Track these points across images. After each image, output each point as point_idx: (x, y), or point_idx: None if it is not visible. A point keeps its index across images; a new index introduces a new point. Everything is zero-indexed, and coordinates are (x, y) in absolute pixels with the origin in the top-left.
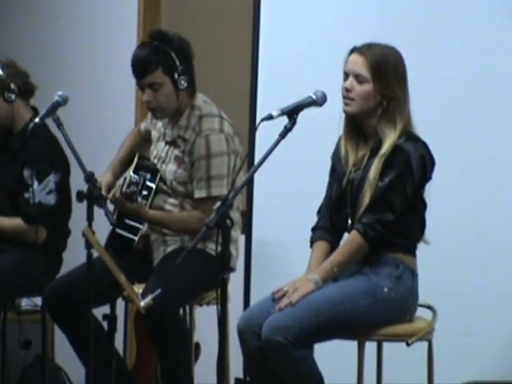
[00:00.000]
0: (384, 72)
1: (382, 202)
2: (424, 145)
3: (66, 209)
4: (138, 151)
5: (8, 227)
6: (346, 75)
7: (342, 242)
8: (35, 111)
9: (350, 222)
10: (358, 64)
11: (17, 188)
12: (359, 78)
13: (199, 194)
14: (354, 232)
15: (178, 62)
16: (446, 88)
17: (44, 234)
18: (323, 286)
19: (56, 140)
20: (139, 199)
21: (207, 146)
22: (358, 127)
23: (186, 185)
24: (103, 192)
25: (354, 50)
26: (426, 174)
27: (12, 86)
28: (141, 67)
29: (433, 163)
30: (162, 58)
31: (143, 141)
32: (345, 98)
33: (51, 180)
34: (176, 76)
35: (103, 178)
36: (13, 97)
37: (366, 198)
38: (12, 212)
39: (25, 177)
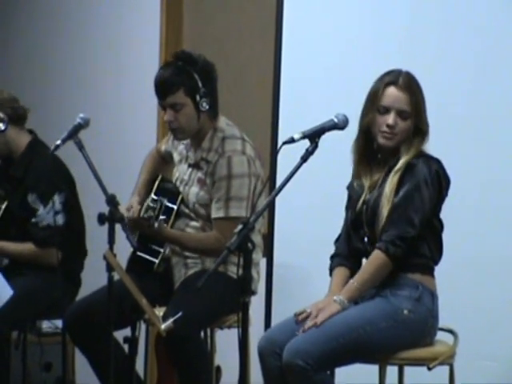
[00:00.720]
0: (421, 109)
1: (400, 218)
2: (438, 162)
3: (78, 226)
4: (159, 172)
5: (22, 252)
6: (385, 110)
7: (364, 262)
8: (33, 134)
9: (366, 240)
10: (402, 101)
11: (24, 214)
12: (403, 115)
13: (217, 213)
14: (376, 250)
15: (200, 84)
16: (465, 107)
17: (56, 255)
18: (348, 307)
19: (56, 158)
20: (156, 224)
21: (229, 166)
22: (370, 151)
23: (208, 207)
24: (125, 213)
25: (390, 84)
26: (441, 190)
27: (1, 115)
28: (163, 87)
29: (448, 181)
30: (184, 79)
31: (163, 161)
32: (387, 132)
33: (56, 201)
34: (198, 98)
35: (130, 201)
36: (3, 127)
37: (384, 213)
38: (22, 238)
39: (30, 202)
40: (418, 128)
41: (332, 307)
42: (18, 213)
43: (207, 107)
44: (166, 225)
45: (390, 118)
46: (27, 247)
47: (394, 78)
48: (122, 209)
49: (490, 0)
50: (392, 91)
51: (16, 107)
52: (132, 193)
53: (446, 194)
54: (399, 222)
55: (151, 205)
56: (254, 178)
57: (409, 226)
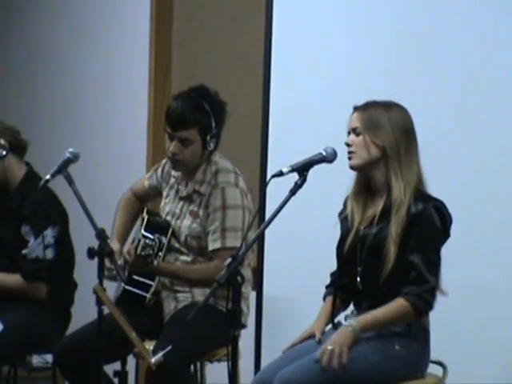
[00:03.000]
0: (374, 123)
1: (425, 274)
2: (441, 203)
3: (68, 262)
4: (134, 216)
5: (9, 285)
6: (348, 133)
7: (389, 305)
8: (29, 167)
9: (358, 280)
10: (355, 119)
11: (15, 245)
12: (356, 131)
13: (213, 245)
14: (403, 300)
15: (214, 125)
16: (453, 120)
17: (44, 289)
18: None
19: (52, 193)
20: (155, 262)
21: (223, 197)
22: (367, 185)
23: (200, 239)
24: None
25: (354, 110)
26: (446, 231)
27: (2, 141)
28: (178, 121)
29: (451, 219)
30: (201, 118)
31: (140, 202)
32: (348, 153)
33: (49, 234)
34: (208, 138)
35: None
36: (4, 152)
37: (391, 255)
38: (12, 269)
39: (22, 233)
40: (381, 147)
41: (347, 340)
42: (10, 244)
43: (213, 147)
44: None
45: (348, 139)
46: (15, 279)
47: (361, 104)
48: (112, 243)
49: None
50: (352, 115)
51: (17, 137)
52: (110, 238)
53: (450, 234)
54: (425, 276)
55: (149, 242)
56: (247, 210)
57: (433, 277)
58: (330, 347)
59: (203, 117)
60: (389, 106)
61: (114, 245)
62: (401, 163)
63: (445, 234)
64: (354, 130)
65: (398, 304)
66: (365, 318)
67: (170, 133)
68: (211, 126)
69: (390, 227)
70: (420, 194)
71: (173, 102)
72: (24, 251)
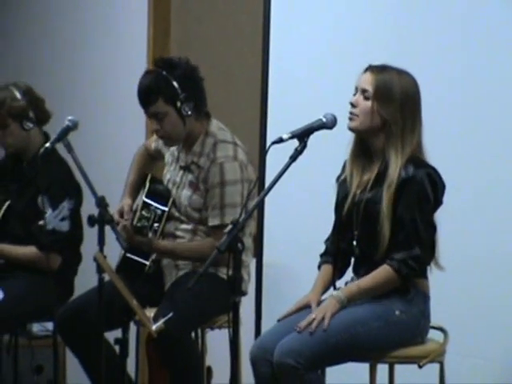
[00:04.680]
0: (386, 95)
1: (411, 237)
2: (433, 170)
3: (78, 235)
4: (148, 171)
5: (22, 256)
6: (356, 91)
7: (374, 272)
8: (46, 137)
9: (354, 244)
10: (367, 81)
11: (30, 214)
12: (365, 94)
13: (213, 221)
14: (387, 267)
15: (179, 90)
16: (460, 108)
17: (59, 260)
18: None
19: (69, 167)
20: (150, 234)
21: (221, 173)
22: (365, 148)
23: (201, 211)
24: (116, 217)
25: (368, 69)
26: (437, 199)
27: (31, 114)
28: (143, 98)
29: (443, 187)
30: (162, 88)
31: (152, 159)
32: (350, 113)
33: (65, 207)
34: (179, 104)
35: (123, 202)
36: (31, 125)
37: (386, 231)
38: (26, 238)
39: (38, 203)
40: (389, 122)
41: (332, 307)
42: (24, 213)
43: (189, 112)
44: (157, 226)
45: (354, 97)
46: (29, 250)
47: (377, 65)
48: (112, 210)
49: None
50: (365, 74)
51: (43, 109)
52: (122, 194)
53: (442, 201)
54: (410, 241)
55: (145, 214)
56: (246, 183)
57: (420, 245)
58: (313, 316)
59: (164, 86)
60: (402, 75)
61: (126, 200)
62: (403, 141)
63: (436, 202)
64: (363, 92)
65: (382, 271)
66: (349, 288)
67: (145, 113)
68: (176, 91)
69: (382, 202)
70: (413, 158)
71: (138, 82)
72: (40, 222)
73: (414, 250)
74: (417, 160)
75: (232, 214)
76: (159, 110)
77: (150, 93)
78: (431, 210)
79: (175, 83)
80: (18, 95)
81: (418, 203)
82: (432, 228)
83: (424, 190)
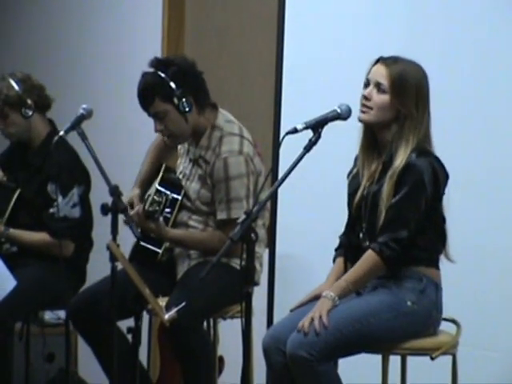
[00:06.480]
0: (403, 88)
1: (395, 219)
2: (436, 159)
3: (89, 221)
4: (163, 161)
5: (35, 242)
6: (367, 83)
7: (358, 261)
8: (52, 124)
9: (361, 236)
10: (381, 74)
11: (39, 202)
12: (379, 88)
13: (220, 215)
14: (369, 251)
15: (175, 87)
16: (468, 101)
17: (72, 247)
18: (344, 301)
19: (76, 153)
20: (161, 219)
21: (225, 168)
22: (373, 140)
23: (210, 205)
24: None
25: (379, 60)
26: (438, 188)
27: (29, 101)
28: (141, 100)
29: (446, 177)
30: (157, 87)
31: (167, 150)
32: (362, 105)
33: (75, 193)
34: (176, 101)
35: (132, 192)
36: (30, 112)
37: (382, 217)
38: (35, 226)
39: (49, 191)
40: (403, 114)
41: (326, 305)
42: (34, 201)
43: (188, 107)
44: (169, 215)
45: (367, 90)
46: (41, 237)
47: (388, 57)
48: (125, 199)
49: None
50: (377, 66)
51: (42, 95)
52: (134, 183)
53: (444, 192)
54: (394, 224)
55: (156, 198)
56: (252, 176)
57: (403, 228)
58: (310, 316)
59: (159, 85)
60: (415, 69)
61: (135, 190)
62: (414, 133)
63: (437, 191)
64: (377, 85)
65: (366, 257)
66: (338, 285)
67: (148, 115)
68: (171, 88)
69: (383, 189)
70: (419, 148)
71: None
72: (51, 210)
73: (399, 233)
74: (422, 149)
75: (238, 207)
76: (158, 109)
77: (146, 94)
78: (426, 197)
79: (170, 80)
80: (14, 84)
81: (410, 188)
82: (418, 213)
83: (421, 177)
